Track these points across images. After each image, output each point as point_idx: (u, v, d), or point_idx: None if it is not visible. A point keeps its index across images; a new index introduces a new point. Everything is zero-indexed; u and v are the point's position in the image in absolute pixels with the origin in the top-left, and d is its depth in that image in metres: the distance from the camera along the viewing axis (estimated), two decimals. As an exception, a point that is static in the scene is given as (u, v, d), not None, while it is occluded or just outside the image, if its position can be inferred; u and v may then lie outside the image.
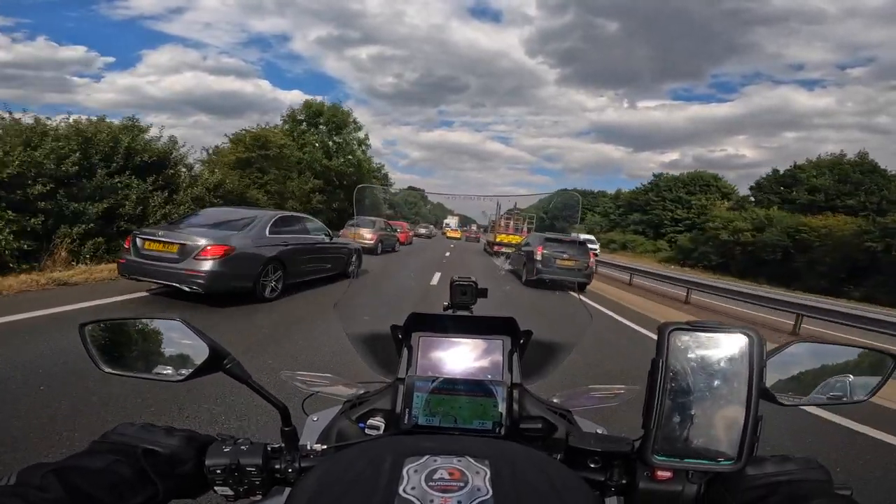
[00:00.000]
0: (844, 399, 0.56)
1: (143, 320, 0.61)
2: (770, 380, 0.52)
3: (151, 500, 0.46)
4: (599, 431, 0.76)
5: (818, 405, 0.55)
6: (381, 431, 0.67)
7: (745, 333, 0.44)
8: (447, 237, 32.91)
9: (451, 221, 40.92)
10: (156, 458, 0.49)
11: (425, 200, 74.04)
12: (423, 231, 28.94)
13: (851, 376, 0.56)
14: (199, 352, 0.57)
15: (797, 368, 0.55)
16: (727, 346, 0.44)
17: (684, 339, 0.45)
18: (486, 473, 0.42)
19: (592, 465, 0.56)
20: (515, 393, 0.69)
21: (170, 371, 0.59)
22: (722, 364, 0.44)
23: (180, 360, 0.59)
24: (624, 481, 0.54)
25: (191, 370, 0.57)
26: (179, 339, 0.59)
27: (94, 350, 0.60)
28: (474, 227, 34.68)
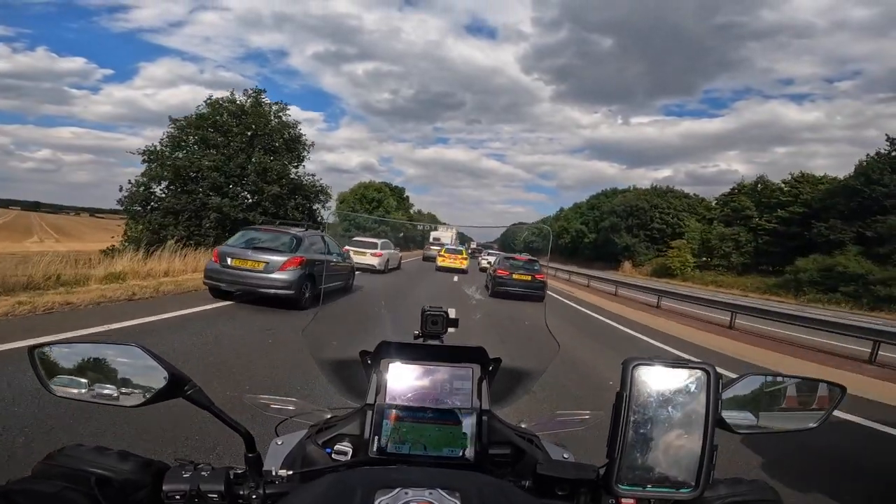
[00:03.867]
0: (794, 427, 0.60)
1: (99, 344, 0.60)
2: (725, 409, 0.54)
3: None
4: (566, 456, 0.78)
5: (769, 432, 0.59)
6: (349, 457, 0.67)
7: (702, 369, 0.47)
8: (438, 264, 15.89)
9: (444, 236, 24.05)
10: (109, 486, 0.48)
11: (401, 200, 57.39)
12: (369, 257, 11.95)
13: (802, 406, 0.60)
14: (157, 377, 0.56)
15: (750, 399, 0.58)
16: (686, 380, 0.47)
17: (647, 373, 0.47)
18: None
19: (560, 493, 0.57)
20: (484, 419, 0.70)
21: (125, 396, 0.57)
22: (681, 397, 0.47)
23: (137, 386, 0.57)
24: None
25: (148, 395, 0.56)
26: (137, 363, 0.57)
27: (44, 374, 0.58)
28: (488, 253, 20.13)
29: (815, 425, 0.61)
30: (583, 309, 11.84)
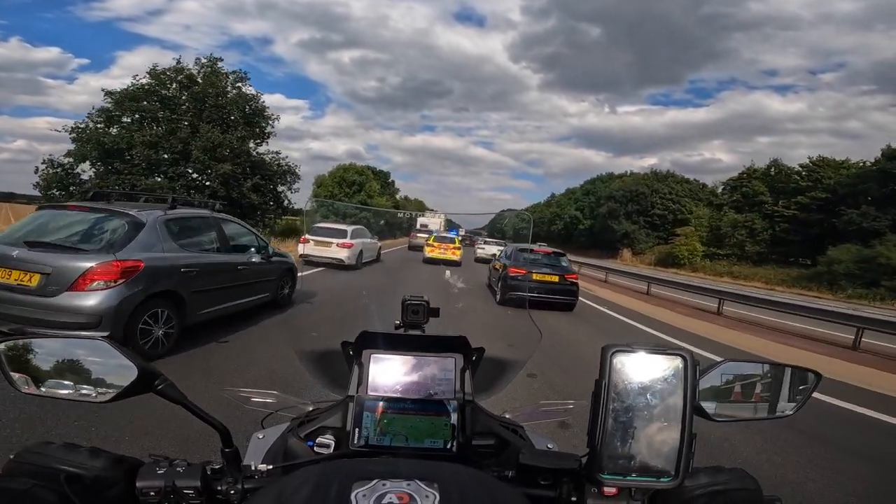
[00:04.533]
0: (772, 415, 0.63)
1: (64, 339, 0.61)
2: (702, 397, 0.57)
3: None
4: (550, 447, 0.81)
5: (747, 420, 0.62)
6: (332, 450, 0.70)
7: (679, 355, 0.49)
8: (426, 255, 14.47)
9: (431, 222, 23.54)
10: (80, 483, 0.50)
11: (387, 185, 54.51)
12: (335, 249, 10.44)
13: (778, 392, 0.64)
14: (126, 372, 0.58)
15: (727, 386, 0.60)
16: (664, 367, 0.49)
17: (625, 360, 0.49)
18: (435, 497, 0.44)
19: (543, 482, 0.60)
20: (468, 410, 0.72)
21: (94, 392, 0.59)
22: (659, 384, 0.49)
23: (106, 381, 0.59)
24: (574, 498, 0.58)
25: (117, 391, 0.58)
26: (105, 358, 0.59)
27: (9, 370, 0.59)
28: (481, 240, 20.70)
29: (791, 412, 0.63)
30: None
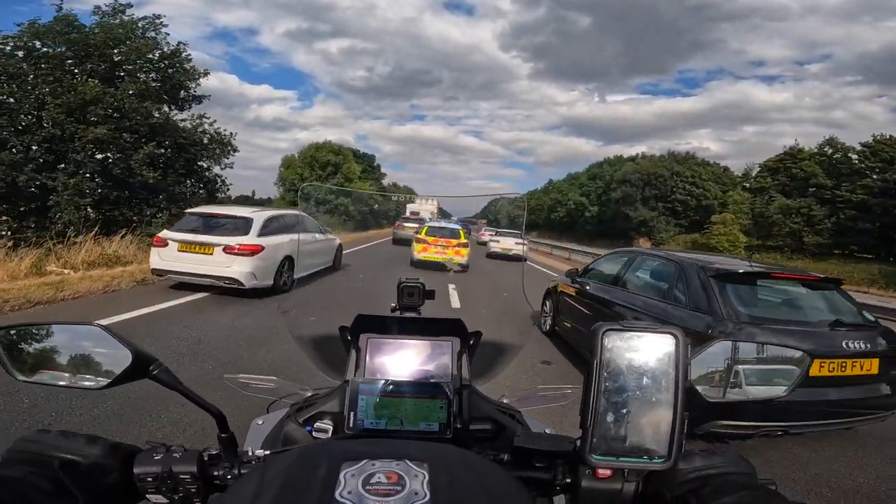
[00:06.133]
0: (764, 395, 0.75)
1: (59, 325, 0.67)
2: (694, 376, 0.62)
3: None
4: (547, 431, 0.88)
5: (739, 400, 0.74)
6: (329, 435, 0.77)
7: (671, 333, 0.53)
8: (416, 256, 10.70)
9: (423, 209, 22.17)
10: (76, 470, 0.55)
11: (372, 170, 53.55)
12: (215, 266, 6.28)
13: (770, 372, 0.75)
14: (121, 358, 0.64)
15: (719, 366, 0.66)
16: (656, 346, 0.53)
17: (617, 339, 0.54)
18: (424, 477, 0.49)
19: (538, 465, 0.66)
20: (465, 394, 0.80)
21: (90, 379, 0.65)
22: (651, 364, 0.53)
23: (101, 368, 0.65)
24: (568, 480, 0.64)
25: (112, 377, 0.64)
26: (99, 345, 0.65)
27: (5, 358, 0.66)
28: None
29: (784, 393, 0.70)
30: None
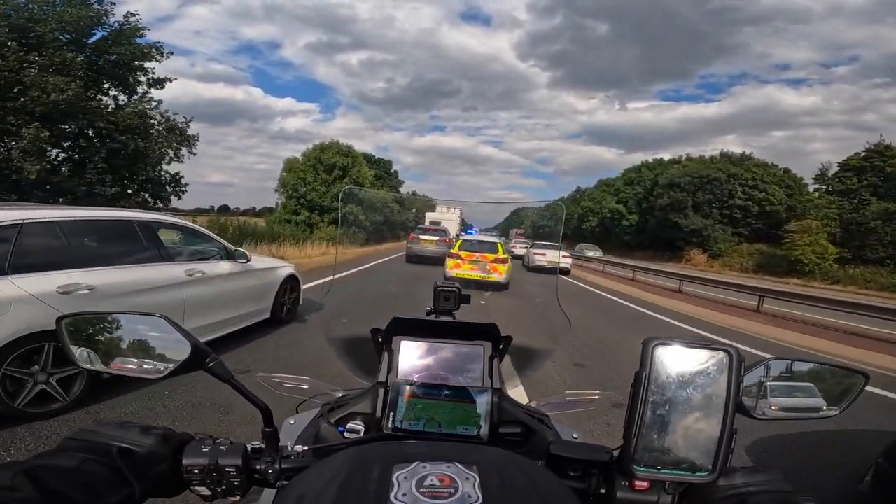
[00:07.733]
0: (815, 413, 0.72)
1: (124, 315, 0.77)
2: (745, 394, 0.67)
3: (128, 500, 0.60)
4: (576, 436, 0.97)
5: (790, 419, 0.73)
6: (361, 435, 0.87)
7: (724, 350, 0.59)
8: (449, 272, 8.51)
9: (446, 219, 22.27)
10: (131, 457, 0.63)
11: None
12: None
13: (823, 392, 0.71)
14: (180, 349, 0.73)
15: (771, 384, 0.72)
16: (707, 362, 0.59)
17: (667, 353, 0.59)
18: (475, 480, 0.54)
19: (572, 473, 0.72)
20: (495, 397, 0.88)
21: (149, 368, 0.75)
22: (701, 379, 0.58)
23: (161, 357, 0.74)
24: (602, 490, 0.70)
25: (171, 368, 0.73)
26: (161, 335, 0.74)
27: (71, 345, 0.76)
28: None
29: (837, 412, 0.74)
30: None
